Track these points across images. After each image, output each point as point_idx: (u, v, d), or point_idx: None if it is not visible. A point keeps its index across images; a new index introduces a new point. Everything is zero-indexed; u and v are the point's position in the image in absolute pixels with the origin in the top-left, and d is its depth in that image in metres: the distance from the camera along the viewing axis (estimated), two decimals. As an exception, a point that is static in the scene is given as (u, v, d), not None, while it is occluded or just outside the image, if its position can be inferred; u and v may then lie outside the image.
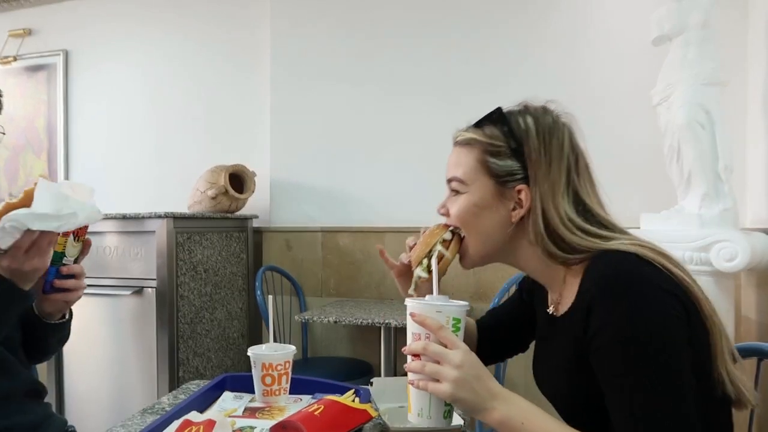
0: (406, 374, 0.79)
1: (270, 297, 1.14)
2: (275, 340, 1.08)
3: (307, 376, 1.14)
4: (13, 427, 1.07)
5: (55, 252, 1.07)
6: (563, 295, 0.86)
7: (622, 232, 0.83)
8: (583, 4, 2.55)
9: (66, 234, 1.07)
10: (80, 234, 1.11)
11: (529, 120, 0.85)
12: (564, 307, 0.85)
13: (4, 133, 1.15)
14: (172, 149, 3.30)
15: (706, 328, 0.73)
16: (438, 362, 0.72)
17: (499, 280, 2.58)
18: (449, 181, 0.90)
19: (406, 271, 1.00)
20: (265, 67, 3.06)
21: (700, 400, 0.69)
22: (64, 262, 1.08)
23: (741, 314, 2.19)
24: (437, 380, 0.72)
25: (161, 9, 3.33)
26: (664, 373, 0.67)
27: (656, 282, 0.71)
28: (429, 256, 0.89)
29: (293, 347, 1.06)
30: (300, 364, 2.51)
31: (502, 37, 2.66)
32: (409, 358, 0.77)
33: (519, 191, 0.84)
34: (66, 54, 3.53)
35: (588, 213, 0.83)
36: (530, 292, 1.06)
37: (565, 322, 0.83)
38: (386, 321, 2.09)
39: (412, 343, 0.76)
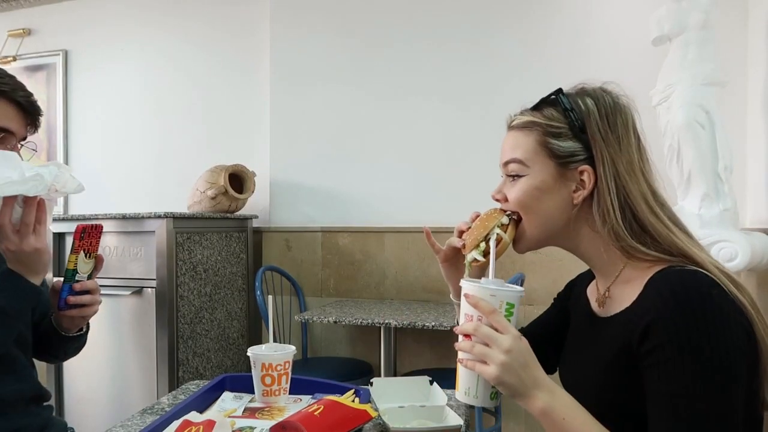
0: (405, 375, 0.79)
1: (270, 297, 1.14)
2: (275, 341, 1.08)
3: (306, 376, 1.14)
4: (18, 430, 1.08)
5: (67, 269, 1.09)
6: (615, 291, 0.84)
7: (689, 234, 0.82)
8: (583, 4, 2.55)
9: (76, 251, 1.08)
10: (92, 250, 1.12)
11: (589, 100, 0.84)
12: (614, 308, 0.83)
13: (35, 150, 1.17)
14: (172, 149, 3.29)
15: (758, 352, 0.73)
16: (487, 345, 0.73)
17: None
18: (506, 163, 0.87)
19: (453, 256, 0.98)
20: (265, 68, 3.06)
21: (744, 422, 0.69)
22: (77, 278, 1.10)
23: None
24: (485, 362, 0.73)
25: (161, 9, 3.33)
26: (718, 403, 0.66)
27: (726, 309, 0.70)
28: (486, 239, 0.88)
29: (293, 347, 1.06)
30: (300, 364, 2.50)
31: (502, 38, 2.66)
32: (460, 337, 0.77)
33: (581, 172, 0.83)
34: (65, 54, 3.53)
35: (657, 194, 0.82)
36: (566, 296, 1.05)
37: (612, 324, 0.81)
38: (386, 321, 2.09)
39: (464, 323, 0.77)
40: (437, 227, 2.66)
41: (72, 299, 1.10)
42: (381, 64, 2.84)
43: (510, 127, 0.89)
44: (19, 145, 1.11)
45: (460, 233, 0.95)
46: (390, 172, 2.82)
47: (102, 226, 1.13)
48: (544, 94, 0.89)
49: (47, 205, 1.02)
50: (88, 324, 1.23)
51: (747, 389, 0.70)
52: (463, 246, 0.92)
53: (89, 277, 1.13)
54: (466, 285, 0.78)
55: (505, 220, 0.88)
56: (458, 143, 2.71)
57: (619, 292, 0.83)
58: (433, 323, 2.02)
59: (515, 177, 0.86)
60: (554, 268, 2.43)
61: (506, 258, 2.59)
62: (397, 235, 2.78)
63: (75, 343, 1.23)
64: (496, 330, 0.73)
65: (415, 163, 2.77)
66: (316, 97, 2.93)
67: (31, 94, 1.12)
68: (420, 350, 2.66)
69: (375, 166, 2.84)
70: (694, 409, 0.66)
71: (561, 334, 1.00)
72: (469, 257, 0.90)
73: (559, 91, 0.85)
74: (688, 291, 0.71)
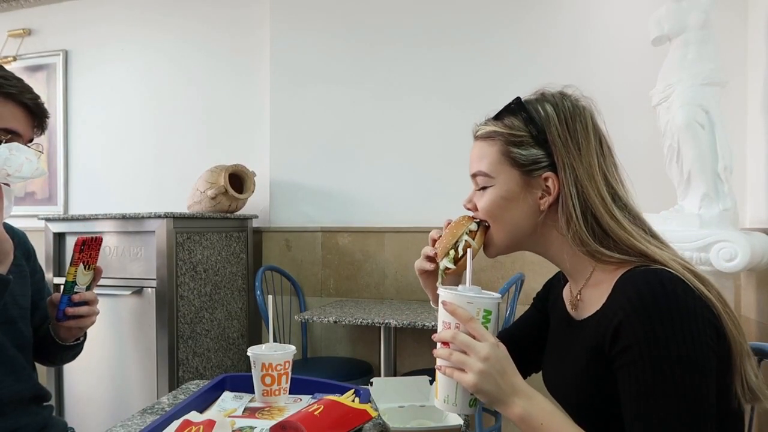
0: (405, 375, 0.79)
1: (270, 297, 1.14)
2: (275, 340, 1.08)
3: (306, 376, 1.13)
4: (17, 429, 1.08)
5: (66, 281, 1.10)
6: (586, 294, 0.86)
7: (651, 233, 0.83)
8: (583, 4, 2.55)
9: (76, 263, 1.09)
10: (91, 262, 1.13)
11: (548, 107, 0.85)
12: (586, 311, 0.84)
13: (42, 152, 1.17)
14: (172, 149, 3.29)
15: (729, 347, 0.74)
16: (465, 353, 0.73)
17: (499, 280, 2.58)
18: (474, 176, 0.90)
19: (429, 265, 0.98)
20: (265, 68, 3.06)
21: (718, 416, 0.69)
22: (75, 290, 1.11)
23: (741, 314, 2.20)
24: (463, 370, 0.73)
25: (161, 9, 3.33)
26: (690, 399, 0.67)
27: (691, 306, 0.71)
28: (455, 247, 0.90)
29: (293, 347, 1.06)
30: (300, 364, 2.50)
31: (502, 38, 2.66)
32: (438, 344, 0.78)
33: (546, 179, 0.84)
34: (66, 54, 3.53)
35: (617, 197, 0.83)
36: (545, 296, 1.05)
37: (584, 328, 0.83)
38: (386, 321, 2.09)
39: (442, 331, 0.77)
40: (437, 227, 2.68)
41: (70, 310, 1.11)
42: (381, 64, 2.84)
43: (475, 137, 0.91)
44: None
45: (434, 242, 0.96)
46: (390, 172, 2.82)
47: (101, 239, 1.14)
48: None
49: (4, 191, 1.02)
50: (85, 333, 1.25)
51: (719, 384, 0.71)
52: (435, 254, 0.94)
53: (88, 288, 1.15)
54: (444, 293, 0.78)
55: (473, 226, 0.90)
56: (458, 143, 2.70)
57: (590, 295, 0.85)
58: (433, 323, 2.02)
59: (483, 188, 0.88)
60: (554, 268, 2.42)
61: (506, 258, 2.60)
62: (397, 235, 2.78)
63: (71, 351, 1.24)
64: (474, 337, 0.74)
65: (415, 163, 2.77)
66: (316, 97, 2.93)
67: (38, 97, 1.13)
68: (420, 350, 2.66)
69: (375, 166, 2.84)
70: (666, 408, 0.67)
71: (543, 334, 1.01)
72: (441, 265, 0.92)
73: (518, 99, 0.87)
74: (653, 291, 0.71)
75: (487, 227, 0.90)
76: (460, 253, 0.89)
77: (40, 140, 1.20)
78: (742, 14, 2.31)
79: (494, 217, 0.88)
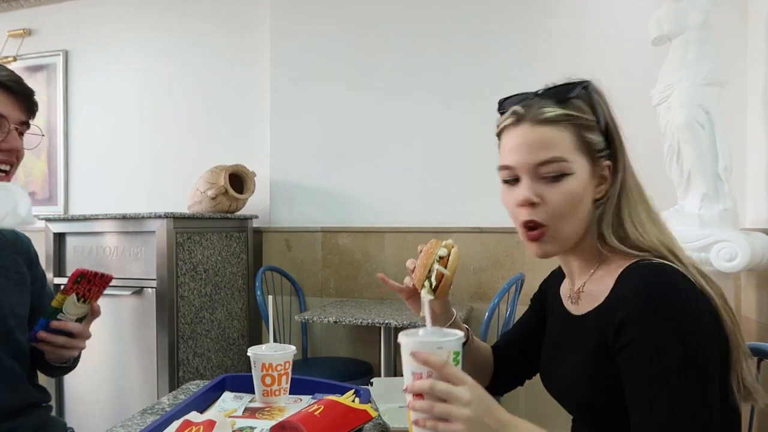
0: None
1: (270, 297, 1.14)
2: (275, 341, 1.08)
3: (307, 377, 1.13)
4: (15, 429, 1.07)
5: (50, 305, 1.04)
6: (587, 289, 0.85)
7: (668, 229, 0.84)
8: (583, 4, 2.55)
9: (66, 292, 1.01)
10: (89, 296, 1.05)
11: (596, 95, 0.83)
12: (588, 305, 0.84)
13: (43, 135, 1.15)
14: (172, 149, 3.29)
15: (727, 343, 0.74)
16: (446, 401, 0.68)
17: (499, 280, 2.58)
18: (544, 163, 0.80)
19: (414, 293, 0.96)
20: (265, 68, 3.06)
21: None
22: (58, 317, 1.04)
23: (741, 314, 2.19)
24: (447, 420, 0.68)
25: (161, 9, 3.33)
26: (695, 388, 0.67)
27: (694, 298, 0.71)
28: (428, 277, 0.87)
29: (293, 347, 1.06)
30: (300, 365, 2.50)
31: (502, 38, 2.66)
32: (409, 396, 0.74)
33: (605, 167, 0.83)
34: (66, 54, 3.53)
35: (642, 189, 0.85)
36: (542, 297, 1.05)
37: (587, 322, 0.82)
38: (386, 321, 2.09)
39: (415, 383, 0.70)
40: (437, 227, 2.69)
41: (43, 335, 1.04)
42: (381, 64, 2.84)
43: (535, 121, 0.81)
44: (14, 128, 1.04)
45: (412, 271, 0.93)
46: (390, 172, 2.82)
47: (110, 278, 1.06)
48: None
49: None
50: (76, 359, 1.18)
51: (719, 379, 0.71)
52: (414, 285, 0.92)
53: (79, 320, 1.07)
54: (409, 341, 0.73)
55: (442, 252, 0.87)
56: (459, 143, 2.71)
57: (591, 289, 0.84)
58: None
59: (556, 177, 0.80)
60: (553, 269, 2.43)
61: (506, 258, 2.60)
62: (397, 235, 2.78)
63: (58, 371, 1.19)
64: (451, 382, 0.69)
65: (416, 163, 2.77)
66: (316, 97, 2.93)
67: (12, 73, 1.05)
68: (420, 350, 2.66)
69: (375, 166, 2.84)
70: (672, 401, 0.67)
71: (542, 334, 1.01)
72: (423, 297, 0.87)
73: (587, 83, 0.83)
74: (658, 285, 0.72)
75: (450, 252, 0.87)
76: (434, 282, 0.86)
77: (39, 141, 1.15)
78: (742, 14, 2.31)
79: (571, 210, 0.81)
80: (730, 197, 1.91)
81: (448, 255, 0.87)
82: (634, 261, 0.78)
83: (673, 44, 2.01)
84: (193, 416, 0.86)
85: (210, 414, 0.92)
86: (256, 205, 2.97)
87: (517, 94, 0.87)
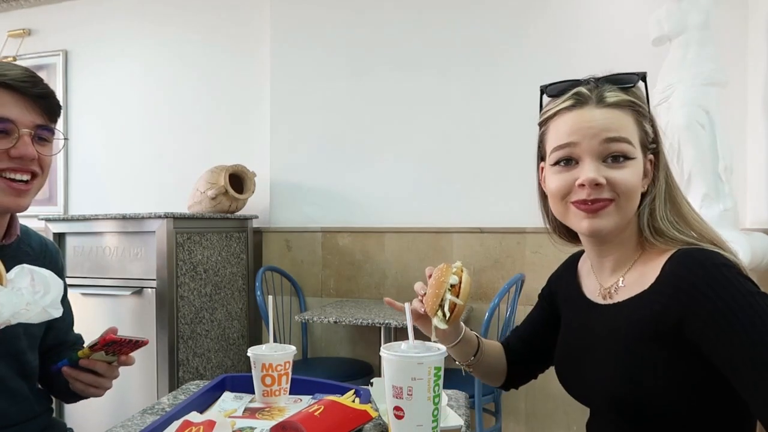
0: None
1: (270, 297, 1.14)
2: (275, 341, 1.08)
3: (307, 377, 1.13)
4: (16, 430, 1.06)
5: (74, 354, 1.00)
6: (625, 283, 0.84)
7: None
8: (583, 5, 2.55)
9: (95, 349, 0.97)
10: (120, 352, 1.01)
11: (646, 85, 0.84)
12: (623, 295, 0.83)
13: (67, 139, 1.09)
14: (172, 149, 3.29)
15: None
16: None
17: (499, 280, 2.58)
18: (614, 140, 0.78)
19: (424, 315, 0.93)
20: (265, 68, 3.06)
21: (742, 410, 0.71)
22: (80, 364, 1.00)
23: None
24: None
25: (161, 10, 3.33)
26: None
27: (748, 277, 0.73)
28: (441, 307, 0.85)
29: (293, 348, 1.06)
30: (300, 365, 2.50)
31: (502, 39, 2.66)
32: (390, 411, 0.75)
33: (650, 159, 0.83)
34: (65, 54, 3.53)
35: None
36: (551, 292, 1.05)
37: (626, 309, 0.81)
38: (386, 321, 2.09)
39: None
40: (438, 227, 2.69)
41: (68, 371, 1.00)
42: (381, 65, 2.84)
43: (601, 104, 0.80)
44: (26, 133, 0.95)
45: (422, 297, 0.91)
46: (390, 172, 2.82)
47: (144, 343, 1.02)
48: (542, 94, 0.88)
49: None
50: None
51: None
52: (425, 312, 0.90)
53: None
54: (391, 356, 0.74)
55: (453, 280, 0.85)
56: (458, 143, 2.70)
57: (632, 280, 0.83)
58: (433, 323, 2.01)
59: (621, 159, 0.79)
60: (554, 269, 2.43)
61: (506, 258, 2.60)
62: (397, 235, 2.78)
63: (74, 399, 1.14)
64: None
65: (416, 163, 2.77)
66: (316, 98, 2.93)
67: (23, 72, 0.96)
68: (420, 350, 2.66)
69: (375, 166, 2.84)
70: None
71: (552, 331, 1.01)
72: (434, 324, 0.87)
73: (645, 74, 0.82)
74: (716, 265, 0.72)
75: (462, 278, 0.85)
76: (447, 314, 0.84)
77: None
78: (742, 14, 2.31)
79: (634, 195, 0.80)
80: (731, 197, 1.91)
81: (459, 281, 0.85)
82: (678, 248, 0.78)
83: (673, 44, 2.01)
84: (193, 416, 0.86)
85: (210, 414, 0.92)
86: (256, 205, 2.97)
87: (565, 80, 0.85)
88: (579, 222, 0.82)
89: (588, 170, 0.78)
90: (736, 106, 2.28)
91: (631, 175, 0.79)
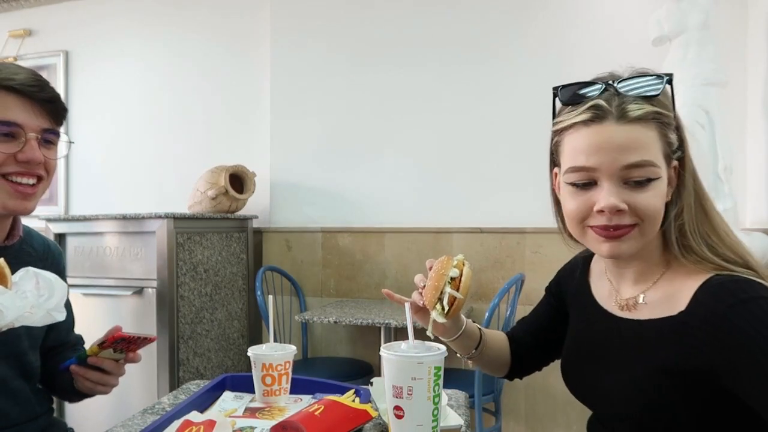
0: None
1: (270, 297, 1.14)
2: (275, 341, 1.08)
3: (307, 376, 1.13)
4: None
5: (83, 351, 1.02)
6: (653, 296, 0.78)
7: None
8: (582, 5, 2.55)
9: (103, 346, 0.99)
10: (126, 350, 1.03)
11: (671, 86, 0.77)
12: (649, 313, 0.78)
13: (72, 142, 1.10)
14: (172, 149, 3.29)
15: None
16: None
17: (499, 280, 2.58)
18: (634, 166, 0.71)
19: (423, 308, 0.90)
20: (266, 68, 3.06)
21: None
22: (89, 362, 1.02)
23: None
24: None
25: (161, 10, 3.33)
26: None
27: None
28: (440, 300, 0.83)
29: (293, 347, 1.06)
30: (300, 364, 2.51)
31: (502, 39, 2.66)
32: (390, 410, 0.75)
33: (675, 168, 0.76)
34: (66, 54, 3.53)
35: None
36: (559, 288, 1.04)
37: (651, 331, 0.76)
38: (386, 321, 2.09)
39: None
40: (438, 227, 2.69)
41: (75, 369, 1.02)
42: (381, 65, 2.84)
43: (623, 119, 0.72)
44: (33, 137, 0.95)
45: (421, 289, 0.89)
46: (390, 172, 2.82)
47: (153, 340, 1.03)
48: (544, 95, 0.84)
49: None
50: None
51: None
52: (423, 305, 0.88)
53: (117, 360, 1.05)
54: (391, 356, 0.73)
55: (454, 273, 0.83)
56: (459, 143, 2.70)
57: (659, 297, 0.78)
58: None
59: (642, 183, 0.72)
60: (554, 269, 2.43)
61: (506, 258, 2.60)
62: (397, 235, 2.78)
63: (77, 398, 1.15)
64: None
65: (416, 163, 2.77)
66: (316, 98, 2.94)
67: (30, 76, 0.96)
68: (420, 350, 2.66)
69: (375, 166, 2.84)
70: None
71: (559, 325, 1.01)
72: (432, 316, 0.86)
73: (672, 76, 0.75)
74: (755, 298, 0.66)
75: (464, 270, 0.83)
76: (446, 307, 0.83)
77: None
78: (742, 14, 2.31)
79: (658, 217, 0.74)
80: (730, 197, 1.91)
81: (460, 275, 0.83)
82: (712, 275, 0.72)
83: (673, 44, 2.02)
84: (194, 416, 0.86)
85: (210, 414, 0.92)
86: (256, 205, 2.97)
87: (578, 82, 0.77)
88: (598, 246, 0.77)
89: (607, 195, 0.72)
90: (736, 106, 2.28)
91: (655, 196, 0.73)
